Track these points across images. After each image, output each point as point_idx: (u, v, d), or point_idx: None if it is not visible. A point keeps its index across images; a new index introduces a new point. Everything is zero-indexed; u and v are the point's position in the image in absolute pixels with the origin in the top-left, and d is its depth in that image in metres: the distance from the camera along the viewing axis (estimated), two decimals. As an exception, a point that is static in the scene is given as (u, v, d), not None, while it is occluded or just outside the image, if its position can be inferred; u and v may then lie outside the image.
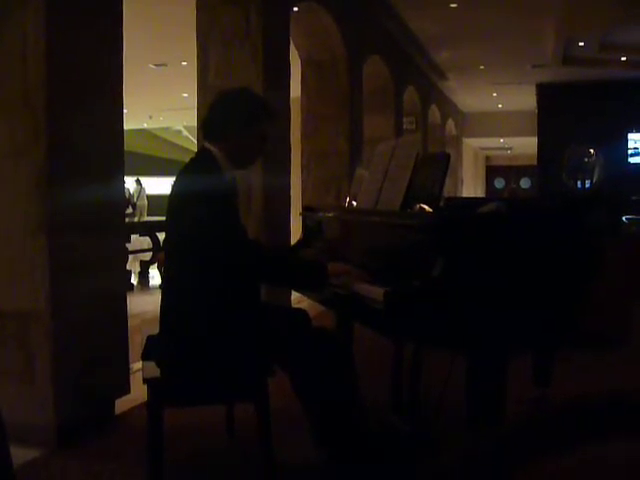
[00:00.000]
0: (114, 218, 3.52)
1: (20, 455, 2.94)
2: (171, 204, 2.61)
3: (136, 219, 18.81)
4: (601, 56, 11.91)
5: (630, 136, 14.49)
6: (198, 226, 2.45)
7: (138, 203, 21.80)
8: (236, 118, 2.63)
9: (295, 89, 6.31)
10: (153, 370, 2.49)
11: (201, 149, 2.70)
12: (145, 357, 2.63)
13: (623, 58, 12.15)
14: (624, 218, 7.17)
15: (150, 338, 2.79)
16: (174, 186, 2.62)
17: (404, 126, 11.07)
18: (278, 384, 2.55)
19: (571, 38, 10.75)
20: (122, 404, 3.50)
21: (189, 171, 2.65)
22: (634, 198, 10.61)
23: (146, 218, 19.84)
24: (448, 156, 2.67)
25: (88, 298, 3.24)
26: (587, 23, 9.88)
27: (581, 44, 11.19)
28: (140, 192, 22.34)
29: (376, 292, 2.16)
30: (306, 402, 2.57)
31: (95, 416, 3.30)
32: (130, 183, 22.20)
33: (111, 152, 3.45)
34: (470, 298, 2.09)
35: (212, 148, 2.63)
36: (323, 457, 2.62)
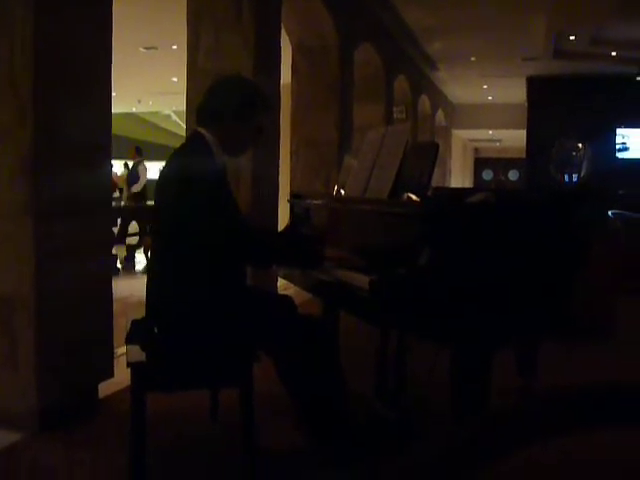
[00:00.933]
0: (100, 203, 3.49)
1: (2, 438, 2.94)
2: (162, 187, 2.59)
3: (122, 203, 18.69)
4: (592, 50, 11.93)
5: (618, 131, 14.54)
6: (189, 209, 2.44)
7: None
8: (233, 106, 2.62)
9: (286, 75, 6.28)
10: (137, 354, 2.48)
11: (194, 133, 2.68)
12: (129, 341, 2.62)
13: (613, 53, 12.18)
14: (610, 213, 7.20)
15: (135, 322, 2.78)
16: (165, 169, 2.60)
17: (394, 115, 11.05)
18: (263, 369, 2.55)
19: (562, 32, 10.76)
20: (106, 388, 3.49)
21: (181, 154, 2.63)
22: (621, 192, 10.67)
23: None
24: (437, 146, 2.67)
25: (73, 282, 3.22)
26: (578, 17, 9.89)
27: (572, 38, 11.21)
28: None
29: (362, 280, 2.16)
30: (290, 388, 2.58)
31: (78, 400, 3.28)
32: (119, 167, 22.09)
33: (99, 136, 3.42)
34: (456, 288, 2.09)
35: (205, 133, 2.62)
36: (306, 442, 2.63)
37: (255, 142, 2.76)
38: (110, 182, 3.74)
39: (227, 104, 2.62)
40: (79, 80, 3.26)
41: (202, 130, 2.63)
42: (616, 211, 7.49)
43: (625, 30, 10.76)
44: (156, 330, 2.54)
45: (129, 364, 2.44)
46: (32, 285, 3.02)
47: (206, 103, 2.68)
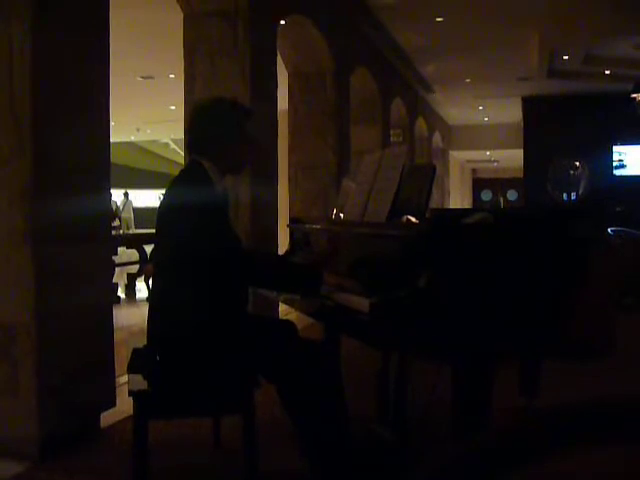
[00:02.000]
0: (100, 230, 3.51)
1: (3, 469, 2.92)
2: (162, 215, 2.60)
3: (121, 231, 18.82)
4: (585, 69, 12.02)
5: (615, 148, 14.60)
6: (190, 237, 2.45)
7: (123, 216, 21.89)
8: (217, 127, 2.65)
9: (282, 101, 6.32)
10: (139, 383, 2.48)
11: (191, 161, 2.70)
12: (131, 370, 2.61)
13: (607, 71, 12.27)
14: (609, 230, 7.21)
15: (136, 350, 2.78)
16: (165, 198, 2.62)
17: (391, 138, 11.11)
18: (265, 394, 2.54)
19: (555, 51, 10.85)
20: (108, 417, 3.48)
21: (180, 183, 2.65)
22: (619, 210, 10.69)
23: (133, 230, 19.84)
24: (434, 167, 2.69)
25: (73, 310, 3.23)
26: (571, 36, 9.99)
27: (565, 57, 11.30)
28: (126, 204, 22.44)
29: (362, 303, 2.17)
30: (293, 414, 2.57)
31: (80, 429, 3.27)
32: (118, 196, 22.24)
33: (98, 164, 3.45)
34: (456, 309, 2.09)
35: (202, 160, 2.64)
36: (308, 466, 2.62)
37: (251, 154, 2.79)
38: (109, 210, 3.76)
39: (209, 131, 2.65)
40: (78, 109, 3.30)
41: (198, 158, 2.65)
42: (615, 228, 7.51)
43: (617, 48, 10.86)
44: (158, 358, 2.53)
45: (131, 392, 2.44)
46: (33, 312, 3.03)
47: (191, 136, 2.71)
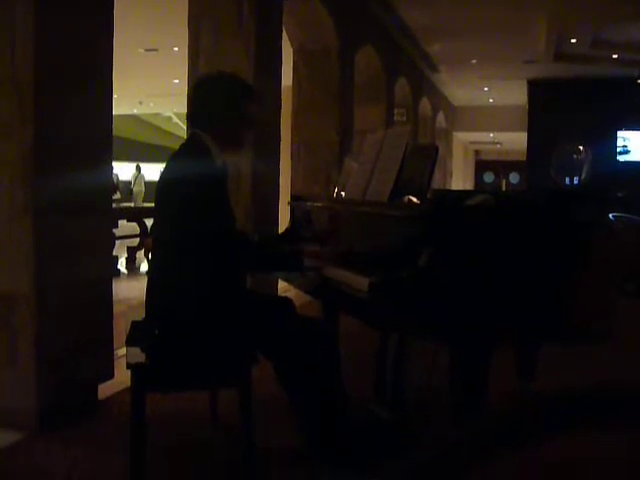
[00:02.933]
0: (101, 203, 3.50)
1: (1, 438, 2.94)
2: (161, 189, 2.61)
3: (132, 204, 18.90)
4: (592, 53, 11.94)
5: (619, 134, 14.54)
6: (188, 210, 2.45)
7: (135, 189, 22.00)
8: (217, 104, 2.64)
9: (287, 78, 6.29)
10: (137, 355, 2.49)
11: (191, 135, 2.70)
12: (129, 342, 2.62)
13: (614, 56, 12.19)
14: (611, 215, 7.20)
15: (135, 323, 2.79)
16: (165, 171, 2.61)
17: (395, 118, 11.06)
18: (262, 371, 2.55)
19: (563, 34, 10.77)
20: (106, 389, 3.49)
21: (180, 156, 2.65)
22: (620, 195, 10.67)
23: (141, 204, 19.90)
24: (437, 148, 2.68)
25: (73, 282, 3.23)
26: (579, 20, 9.91)
27: (573, 41, 11.22)
28: (137, 178, 22.50)
29: (361, 282, 2.17)
30: (290, 390, 2.58)
31: (78, 400, 3.29)
32: (130, 169, 22.36)
33: (100, 137, 3.43)
34: (455, 289, 2.09)
35: (202, 134, 2.63)
36: (304, 443, 2.64)
37: (249, 134, 2.78)
38: (111, 182, 3.76)
39: (211, 104, 2.64)
40: (80, 81, 3.28)
41: (198, 132, 2.64)
42: (617, 214, 7.50)
43: (626, 32, 10.77)
44: (156, 331, 2.54)
45: (129, 365, 2.45)
46: (33, 283, 3.03)
47: (193, 108, 2.72)
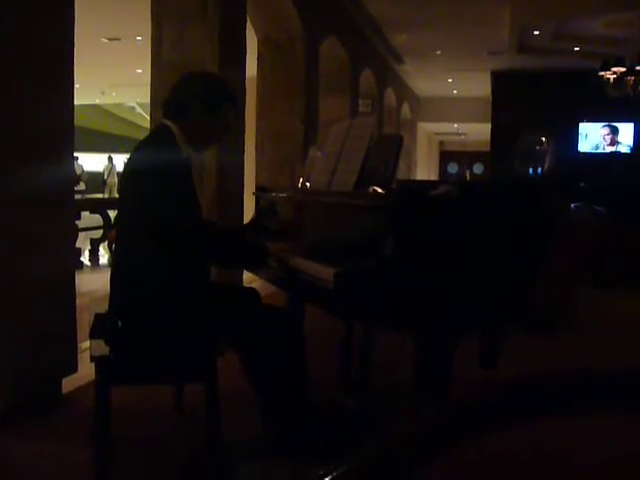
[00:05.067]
0: (63, 194, 3.45)
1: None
2: (126, 178, 2.59)
3: (106, 195, 18.70)
4: (555, 45, 12.06)
5: (581, 125, 14.73)
6: (152, 201, 2.43)
7: (109, 180, 21.85)
8: (199, 99, 2.61)
9: (251, 68, 6.25)
10: (101, 348, 2.46)
11: (159, 125, 2.68)
12: (93, 335, 2.59)
13: (577, 48, 12.33)
14: (573, 205, 7.31)
15: (98, 316, 2.76)
16: (130, 161, 2.59)
17: (360, 108, 11.07)
18: (227, 362, 2.55)
19: (526, 26, 10.86)
20: (69, 383, 3.45)
21: (146, 146, 2.62)
22: (582, 185, 10.83)
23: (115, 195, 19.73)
24: (401, 138, 2.69)
25: (35, 275, 3.18)
26: (542, 12, 9.99)
27: (536, 33, 11.32)
28: (111, 170, 22.32)
29: (327, 272, 2.17)
30: (256, 381, 2.59)
31: (41, 394, 3.25)
32: (102, 160, 22.15)
33: (61, 127, 3.37)
34: (420, 278, 2.11)
35: (171, 125, 2.61)
36: (270, 433, 2.64)
37: (221, 138, 2.77)
38: (73, 174, 3.70)
39: (193, 97, 2.61)
40: (41, 70, 3.21)
41: (168, 123, 2.62)
42: (578, 203, 7.61)
43: (587, 26, 10.90)
44: (120, 324, 2.52)
45: (92, 358, 2.42)
46: (-7, 278, 2.97)
47: (172, 96, 2.67)
